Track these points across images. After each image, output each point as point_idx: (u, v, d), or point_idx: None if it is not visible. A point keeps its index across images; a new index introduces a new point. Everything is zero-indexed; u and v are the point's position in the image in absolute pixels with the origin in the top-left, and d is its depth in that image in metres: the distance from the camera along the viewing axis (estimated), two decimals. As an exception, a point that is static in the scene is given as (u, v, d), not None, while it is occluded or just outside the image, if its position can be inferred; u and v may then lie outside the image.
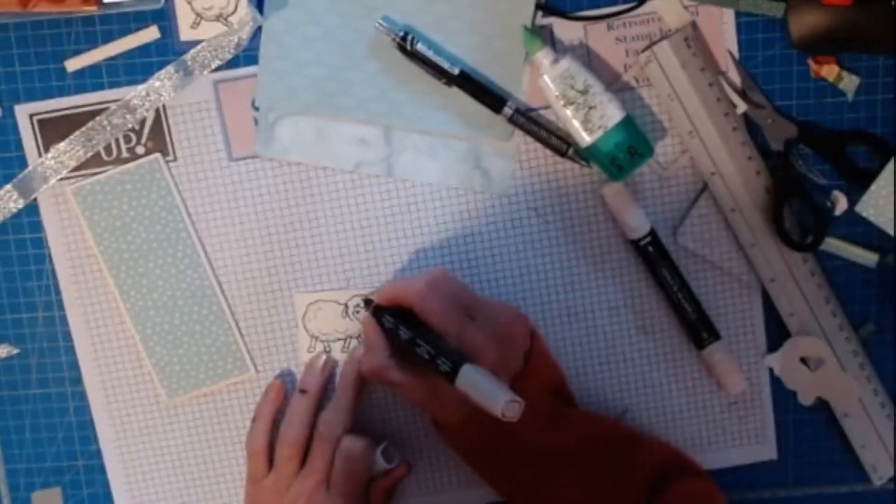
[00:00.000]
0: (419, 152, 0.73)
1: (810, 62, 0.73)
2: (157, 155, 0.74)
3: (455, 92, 0.71)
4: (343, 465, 0.70)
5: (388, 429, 0.76)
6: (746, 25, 0.72)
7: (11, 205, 0.74)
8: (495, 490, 0.72)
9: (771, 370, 0.76)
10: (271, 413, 0.75)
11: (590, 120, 0.70)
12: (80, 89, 0.73)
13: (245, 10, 0.71)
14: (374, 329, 0.70)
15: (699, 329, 0.74)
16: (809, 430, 0.77)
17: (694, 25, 0.72)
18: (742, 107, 0.73)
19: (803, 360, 0.75)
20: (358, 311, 0.75)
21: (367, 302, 0.73)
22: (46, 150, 0.73)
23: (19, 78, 0.73)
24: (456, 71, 0.71)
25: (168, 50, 0.73)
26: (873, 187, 0.72)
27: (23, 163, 0.74)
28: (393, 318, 0.69)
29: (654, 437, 0.75)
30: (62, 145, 0.73)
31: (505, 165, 0.74)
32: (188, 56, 0.72)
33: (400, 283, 0.71)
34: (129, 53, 0.73)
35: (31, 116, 0.73)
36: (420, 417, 0.76)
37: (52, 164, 0.73)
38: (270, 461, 0.74)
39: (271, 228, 0.74)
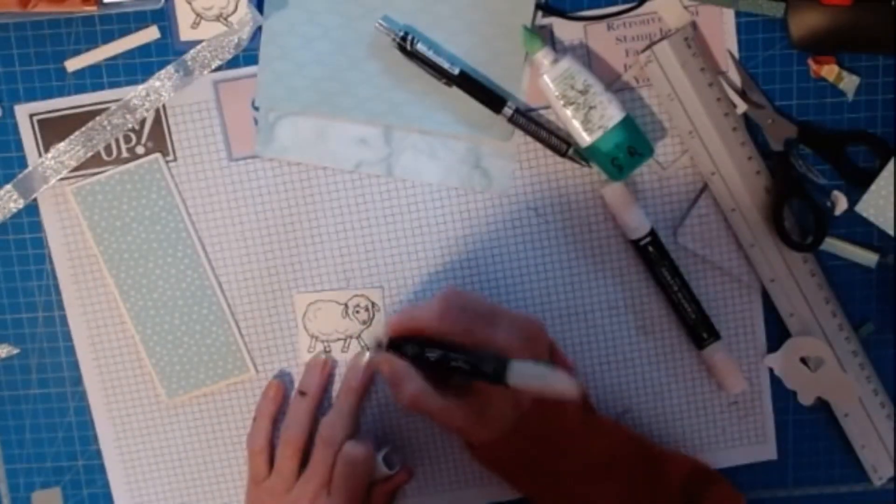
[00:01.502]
0: (419, 152, 0.73)
1: (810, 62, 0.73)
2: (157, 155, 0.74)
3: (455, 92, 0.71)
4: (345, 470, 0.70)
5: (389, 433, 0.76)
6: (746, 25, 0.72)
7: (11, 205, 0.74)
8: None
9: (771, 370, 0.76)
10: (271, 412, 0.75)
11: (590, 120, 0.70)
12: (80, 89, 0.73)
13: (245, 10, 0.71)
14: (398, 361, 0.67)
15: (699, 329, 0.74)
16: (809, 430, 0.77)
17: (694, 25, 0.72)
18: (742, 107, 0.73)
19: (803, 360, 0.75)
20: (357, 312, 0.75)
21: (380, 344, 0.70)
22: (46, 150, 0.73)
23: (19, 78, 0.73)
24: (456, 71, 0.71)
25: (168, 50, 0.73)
26: (873, 187, 0.72)
27: (23, 163, 0.74)
28: (416, 345, 0.67)
29: (669, 448, 0.75)
30: (62, 145, 0.73)
31: (505, 165, 0.74)
32: (188, 56, 0.72)
33: (411, 312, 0.68)
34: (129, 53, 0.73)
35: (31, 116, 0.73)
36: (421, 420, 0.76)
37: (52, 164, 0.73)
38: (271, 461, 0.74)
39: (271, 228, 0.74)
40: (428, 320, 0.67)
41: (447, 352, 0.65)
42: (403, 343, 0.68)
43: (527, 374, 0.62)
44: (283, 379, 0.76)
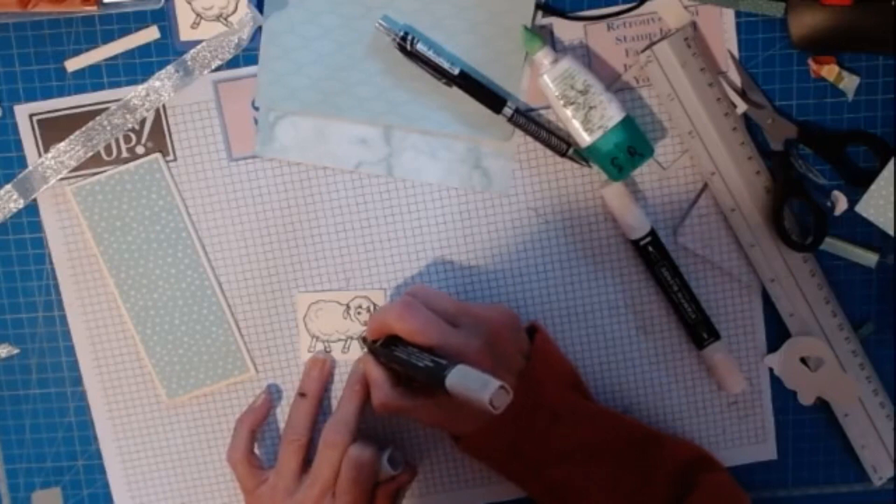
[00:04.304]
0: (419, 152, 0.73)
1: (810, 62, 0.73)
2: (157, 155, 0.74)
3: (455, 92, 0.71)
4: (350, 473, 0.70)
5: (391, 432, 0.76)
6: (746, 25, 0.72)
7: (11, 205, 0.74)
8: (526, 492, 0.71)
9: (771, 370, 0.76)
10: (251, 424, 0.75)
11: (590, 120, 0.70)
12: (80, 89, 0.73)
13: (245, 10, 0.71)
14: (371, 364, 0.70)
15: (699, 329, 0.74)
16: (809, 430, 0.77)
17: (694, 25, 0.72)
18: (742, 107, 0.73)
19: (803, 360, 0.75)
20: (359, 314, 0.75)
21: (364, 340, 0.73)
22: (46, 150, 0.73)
23: (19, 78, 0.73)
24: (456, 71, 0.71)
25: (168, 50, 0.73)
26: (873, 187, 0.72)
27: (23, 163, 0.74)
28: (385, 347, 0.69)
29: (674, 435, 0.75)
30: (62, 145, 0.73)
31: (505, 165, 0.74)
32: (188, 56, 0.72)
33: (380, 313, 0.70)
34: (129, 53, 0.73)
35: (31, 116, 0.73)
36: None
37: (52, 164, 0.73)
38: (255, 468, 0.74)
39: (271, 228, 0.74)
40: (391, 322, 0.69)
41: (407, 357, 0.67)
42: (378, 345, 0.70)
43: (459, 383, 0.62)
44: (280, 385, 0.76)
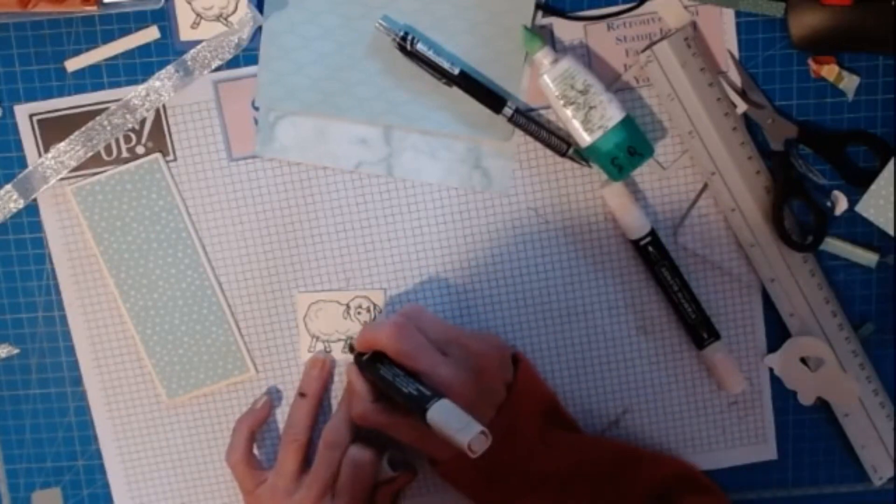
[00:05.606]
0: (419, 152, 0.73)
1: (810, 62, 0.73)
2: (157, 155, 0.74)
3: (455, 92, 0.71)
4: (350, 473, 0.70)
5: (388, 429, 0.76)
6: (746, 25, 0.72)
7: (11, 205, 0.74)
8: None
9: (771, 370, 0.76)
10: (251, 425, 0.75)
11: (590, 120, 0.70)
12: (80, 89, 0.73)
13: (245, 10, 0.71)
14: (355, 375, 0.71)
15: (699, 329, 0.74)
16: (809, 430, 0.77)
17: (694, 25, 0.72)
18: (742, 107, 0.73)
19: (803, 360, 0.75)
20: (359, 314, 0.75)
21: (352, 348, 0.73)
22: (46, 150, 0.73)
23: (19, 78, 0.73)
24: (456, 71, 0.71)
25: (168, 50, 0.73)
26: (873, 187, 0.72)
27: (23, 163, 0.74)
28: (371, 362, 0.70)
29: (658, 452, 0.75)
30: (62, 145, 0.73)
31: (505, 165, 0.74)
32: (188, 56, 0.72)
33: (371, 328, 0.71)
34: (129, 53, 0.73)
35: (31, 116, 0.73)
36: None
37: (52, 164, 0.73)
38: (254, 468, 0.74)
39: (271, 228, 0.74)
40: (381, 340, 0.69)
41: (392, 378, 0.67)
42: (365, 357, 0.70)
43: (442, 419, 0.62)
44: (280, 385, 0.76)
